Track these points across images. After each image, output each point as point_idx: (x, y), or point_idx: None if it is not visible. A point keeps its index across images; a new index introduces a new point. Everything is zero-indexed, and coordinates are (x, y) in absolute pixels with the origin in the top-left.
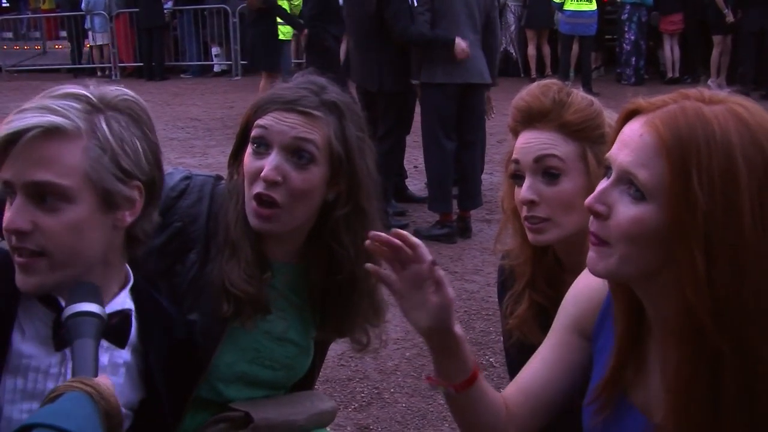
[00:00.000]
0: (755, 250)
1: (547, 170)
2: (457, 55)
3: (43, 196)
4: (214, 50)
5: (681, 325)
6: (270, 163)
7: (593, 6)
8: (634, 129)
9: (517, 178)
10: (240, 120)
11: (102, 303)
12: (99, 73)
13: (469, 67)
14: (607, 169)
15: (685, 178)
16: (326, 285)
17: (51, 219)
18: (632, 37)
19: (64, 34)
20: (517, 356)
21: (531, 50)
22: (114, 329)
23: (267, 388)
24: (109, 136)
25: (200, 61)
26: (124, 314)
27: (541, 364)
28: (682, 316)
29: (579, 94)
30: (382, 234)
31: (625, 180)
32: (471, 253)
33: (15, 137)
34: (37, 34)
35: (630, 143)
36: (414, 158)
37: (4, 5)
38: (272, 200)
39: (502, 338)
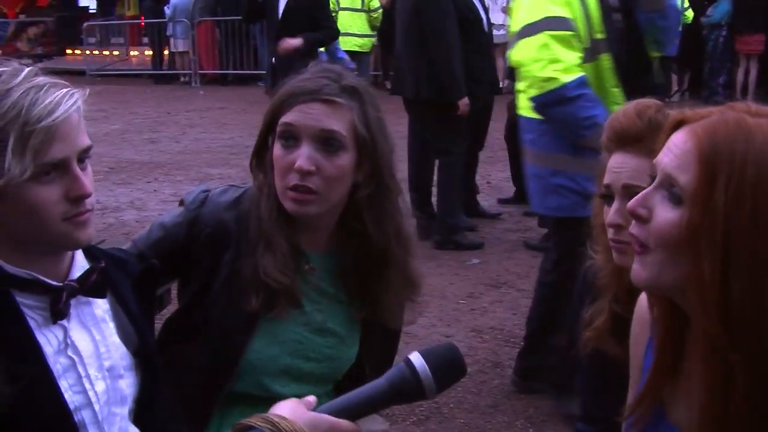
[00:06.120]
0: None
1: None
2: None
3: None
4: None
5: (700, 341)
6: (303, 154)
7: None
8: (679, 137)
9: (607, 198)
10: (264, 117)
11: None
12: (182, 79)
13: None
14: (654, 177)
15: (711, 184)
16: (360, 268)
17: None
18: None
19: (146, 40)
20: (590, 364)
21: None
22: (96, 284)
23: (313, 382)
24: None
25: None
26: (99, 269)
27: None
28: (700, 329)
29: None
30: None
31: (666, 184)
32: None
33: None
34: (121, 40)
35: (674, 149)
36: (487, 174)
37: (90, 11)
38: (308, 189)
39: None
